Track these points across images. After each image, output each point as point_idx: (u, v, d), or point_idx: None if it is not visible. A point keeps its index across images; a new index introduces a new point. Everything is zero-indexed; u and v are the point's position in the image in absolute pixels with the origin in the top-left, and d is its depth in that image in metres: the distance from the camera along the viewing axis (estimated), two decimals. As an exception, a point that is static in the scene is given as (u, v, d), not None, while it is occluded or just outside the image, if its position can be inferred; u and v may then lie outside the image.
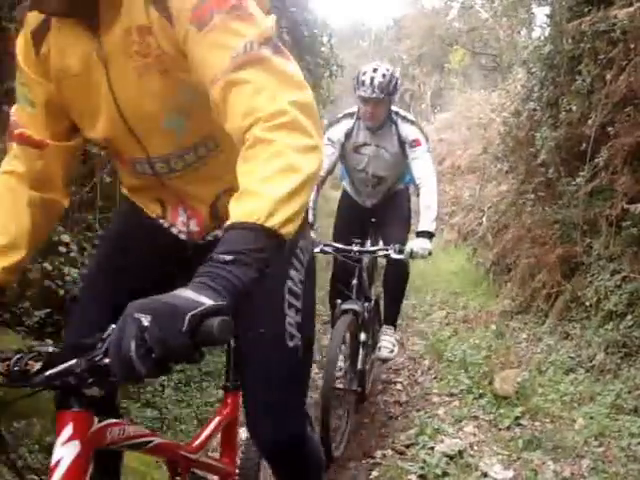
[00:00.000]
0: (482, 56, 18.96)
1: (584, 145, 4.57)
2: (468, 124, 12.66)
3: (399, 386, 3.97)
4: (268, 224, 0.84)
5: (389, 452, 2.95)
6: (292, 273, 1.30)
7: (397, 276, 3.45)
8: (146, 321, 0.72)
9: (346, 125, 3.24)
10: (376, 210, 3.56)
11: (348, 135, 3.24)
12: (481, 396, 3.55)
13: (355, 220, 3.59)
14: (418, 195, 3.18)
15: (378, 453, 2.93)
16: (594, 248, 4.35)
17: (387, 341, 3.47)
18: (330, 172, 3.31)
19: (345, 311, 2.99)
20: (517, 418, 3.23)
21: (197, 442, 1.42)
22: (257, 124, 0.91)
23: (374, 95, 3.00)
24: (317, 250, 2.89)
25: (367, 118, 3.14)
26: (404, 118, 3.20)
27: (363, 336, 3.15)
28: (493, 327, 4.99)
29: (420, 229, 3.04)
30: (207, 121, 1.12)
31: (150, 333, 0.71)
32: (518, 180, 6.43)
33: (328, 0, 16.94)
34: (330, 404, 2.68)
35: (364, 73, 3.05)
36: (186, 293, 0.76)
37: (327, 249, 3.02)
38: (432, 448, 2.90)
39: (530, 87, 6.25)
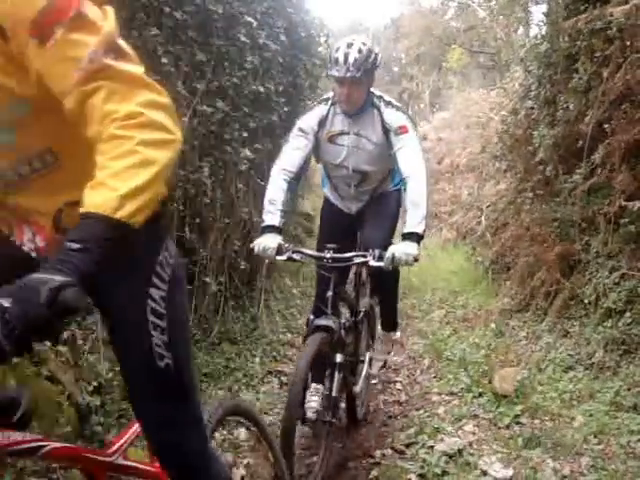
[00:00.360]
0: (480, 55, 18.97)
1: (581, 143, 4.57)
2: (467, 123, 12.67)
3: (399, 385, 3.97)
4: (116, 216, 0.94)
5: (389, 451, 2.95)
6: (153, 292, 1.25)
7: (386, 278, 3.07)
8: (6, 302, 0.81)
9: (320, 112, 2.83)
10: (362, 216, 3.11)
11: (322, 123, 2.81)
12: (481, 395, 3.55)
13: (338, 230, 3.10)
14: (405, 190, 2.73)
15: (377, 453, 2.93)
16: (592, 246, 4.35)
17: (379, 352, 3.16)
18: (304, 167, 2.85)
19: (316, 328, 2.55)
20: (516, 416, 3.23)
21: (115, 446, 1.38)
22: (113, 123, 0.98)
23: (349, 74, 2.58)
24: (284, 257, 2.60)
25: (343, 101, 2.72)
26: (389, 103, 2.80)
27: (339, 357, 2.63)
28: (492, 326, 5.00)
29: (406, 230, 2.57)
30: (42, 134, 1.11)
31: (11, 312, 0.81)
32: (516, 178, 6.44)
33: (326, 0, 16.94)
34: (291, 438, 2.26)
35: (337, 49, 2.64)
36: (38, 275, 0.87)
37: (295, 256, 2.62)
38: (432, 447, 2.91)
39: (527, 85, 6.25)
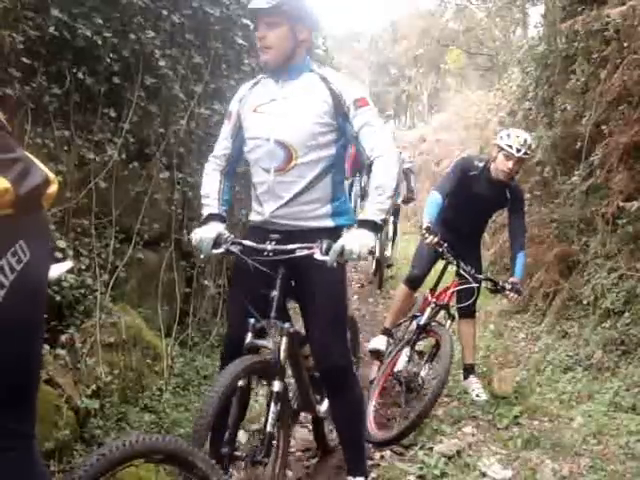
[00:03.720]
0: (478, 56, 19.01)
1: (579, 144, 4.58)
2: (465, 124, 12.69)
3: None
4: None
5: (387, 453, 2.94)
6: None
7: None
8: None
9: (247, 85, 2.39)
10: (279, 237, 2.19)
11: (246, 96, 2.33)
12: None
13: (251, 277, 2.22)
14: (369, 173, 2.22)
15: (377, 454, 2.93)
16: (591, 246, 4.36)
17: None
18: (235, 153, 2.43)
19: (252, 348, 2.06)
20: (516, 417, 3.23)
21: None
22: None
23: (262, 4, 2.10)
24: (221, 250, 2.19)
25: (262, 49, 2.21)
26: (332, 71, 2.35)
27: (277, 385, 2.07)
28: (491, 327, 5.00)
29: (362, 217, 2.11)
30: None
31: None
32: (515, 179, 6.45)
33: (323, 2, 16.98)
34: None
35: None
36: None
37: (233, 248, 2.18)
38: (431, 448, 2.90)
39: (525, 86, 6.28)
